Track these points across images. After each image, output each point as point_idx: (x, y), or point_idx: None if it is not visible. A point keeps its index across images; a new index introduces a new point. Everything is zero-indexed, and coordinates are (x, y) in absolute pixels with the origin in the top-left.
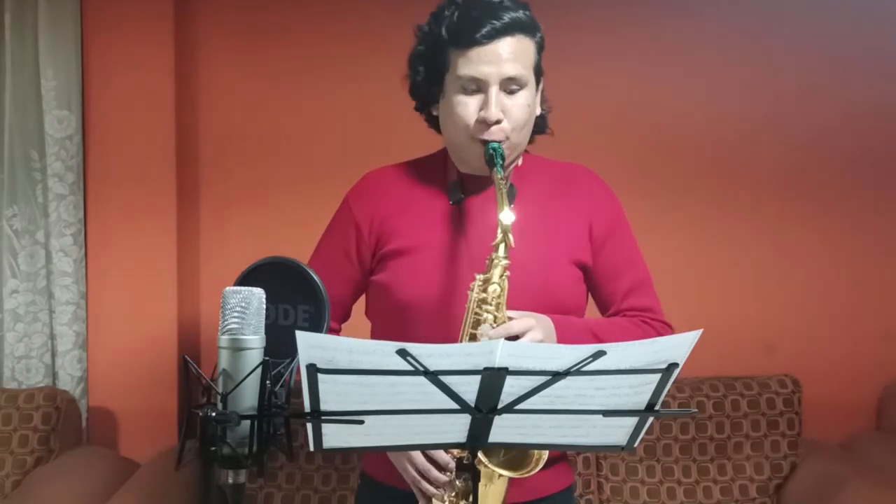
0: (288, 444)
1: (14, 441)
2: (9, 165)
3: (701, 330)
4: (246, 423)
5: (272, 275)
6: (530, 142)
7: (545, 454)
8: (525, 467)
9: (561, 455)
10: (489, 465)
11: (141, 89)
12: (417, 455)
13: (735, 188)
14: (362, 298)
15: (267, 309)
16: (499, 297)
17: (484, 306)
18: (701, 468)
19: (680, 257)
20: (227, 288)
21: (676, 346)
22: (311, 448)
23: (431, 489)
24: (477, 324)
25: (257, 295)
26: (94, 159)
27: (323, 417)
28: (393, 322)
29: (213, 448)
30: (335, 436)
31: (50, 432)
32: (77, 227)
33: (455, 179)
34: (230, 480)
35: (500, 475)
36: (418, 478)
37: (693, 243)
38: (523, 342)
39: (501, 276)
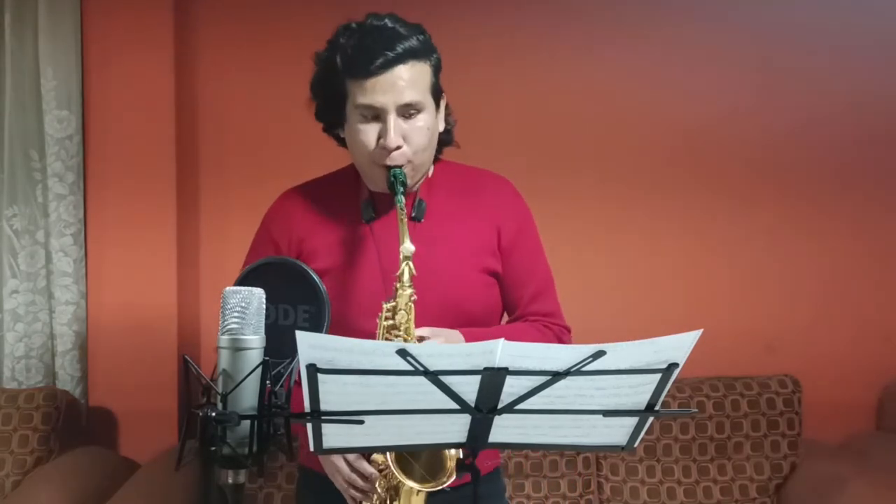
0: (288, 444)
1: (14, 441)
2: (9, 165)
3: (701, 330)
4: (246, 423)
5: (272, 275)
6: (440, 153)
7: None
8: (442, 475)
9: None
10: (405, 482)
11: (141, 89)
12: (343, 467)
13: (735, 188)
14: None
15: (267, 309)
16: (406, 321)
17: (394, 331)
18: (701, 468)
19: (680, 258)
20: (227, 288)
21: (676, 346)
22: (311, 448)
23: (357, 495)
24: None
25: (257, 295)
26: (94, 159)
27: (323, 417)
28: None
29: (213, 448)
30: (335, 436)
31: (50, 432)
32: (77, 227)
33: (367, 198)
34: (230, 480)
35: (419, 491)
36: (346, 485)
37: (693, 244)
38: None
39: (407, 303)
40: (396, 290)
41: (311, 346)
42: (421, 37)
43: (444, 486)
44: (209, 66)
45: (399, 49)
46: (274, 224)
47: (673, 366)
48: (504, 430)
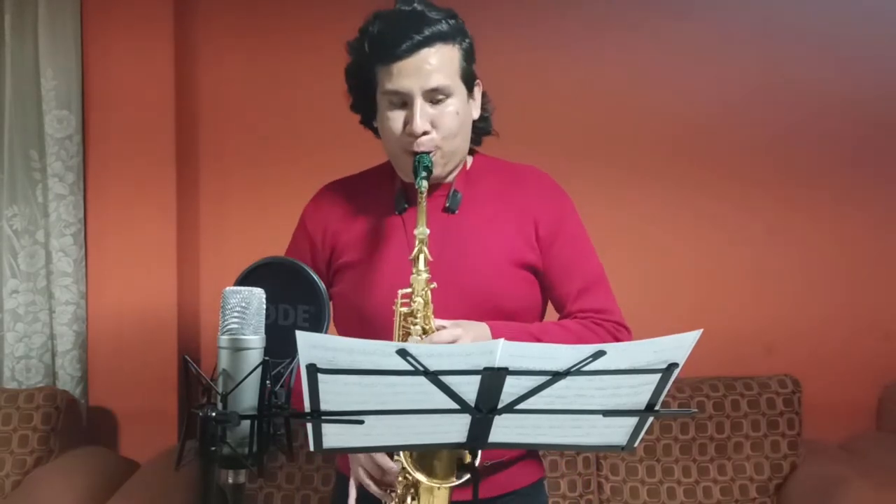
0: (288, 444)
1: (14, 441)
2: (9, 165)
3: (701, 330)
4: (246, 423)
5: (272, 275)
6: (477, 143)
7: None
8: (450, 476)
9: (526, 452)
10: (421, 478)
11: (141, 89)
12: (365, 462)
13: (735, 188)
14: None
15: (267, 309)
16: (424, 308)
17: (410, 318)
18: (701, 468)
19: (680, 258)
20: (227, 288)
21: (676, 346)
22: (311, 448)
23: (378, 491)
24: (406, 336)
25: (257, 295)
26: (94, 159)
27: (323, 417)
28: (354, 331)
29: (213, 448)
30: (335, 436)
31: (50, 432)
32: (77, 227)
33: (400, 189)
34: (230, 480)
35: (439, 487)
36: (368, 480)
37: (693, 243)
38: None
39: (423, 288)
40: (413, 275)
41: (311, 345)
42: (451, 21)
43: (457, 483)
44: (209, 67)
45: (426, 32)
46: (310, 219)
47: (673, 366)
48: (504, 430)
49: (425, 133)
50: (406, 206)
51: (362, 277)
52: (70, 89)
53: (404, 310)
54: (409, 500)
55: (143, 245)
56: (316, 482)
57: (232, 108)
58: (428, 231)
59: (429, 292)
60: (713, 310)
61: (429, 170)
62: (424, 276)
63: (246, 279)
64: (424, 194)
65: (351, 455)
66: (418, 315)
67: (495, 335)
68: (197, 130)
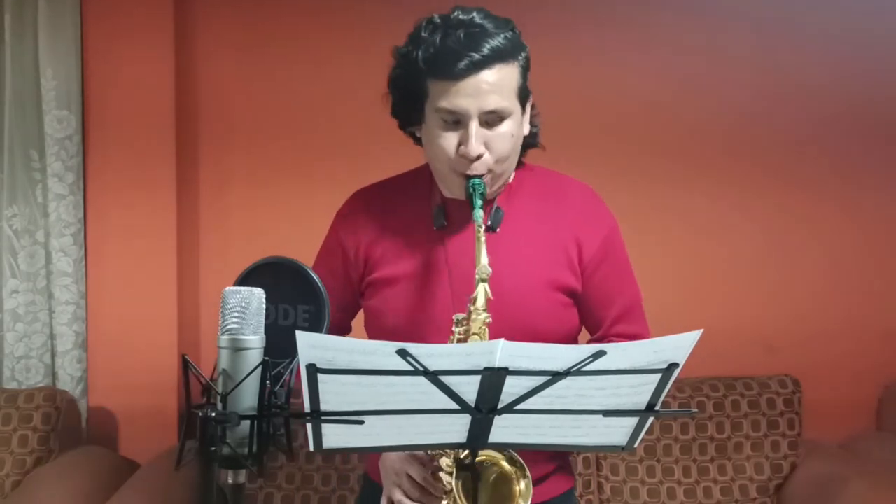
0: (288, 444)
1: (14, 441)
2: (9, 165)
3: (701, 330)
4: (246, 423)
5: (272, 275)
6: (523, 155)
7: (529, 498)
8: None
9: (557, 466)
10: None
11: (141, 89)
12: (405, 481)
13: (735, 188)
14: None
15: (267, 309)
16: None
17: None
18: (701, 468)
19: (680, 258)
20: (227, 288)
21: (676, 346)
22: (311, 448)
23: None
24: None
25: (257, 295)
26: (94, 159)
27: (323, 417)
28: None
29: (213, 448)
30: (335, 436)
31: (50, 432)
32: (77, 227)
33: (439, 204)
34: (230, 480)
35: None
36: (405, 499)
37: (693, 243)
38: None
39: (481, 327)
40: (470, 313)
41: (311, 345)
42: (510, 34)
43: None
44: (209, 67)
45: (485, 50)
46: (343, 227)
47: (673, 366)
48: (504, 430)
49: (479, 156)
50: (445, 222)
51: (397, 296)
52: (70, 89)
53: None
54: None
55: (143, 245)
56: (316, 482)
57: (232, 107)
58: (490, 271)
59: (486, 330)
60: (713, 310)
61: (484, 197)
62: (483, 315)
63: (246, 279)
64: (482, 228)
65: (384, 471)
66: None
67: None
68: (197, 130)
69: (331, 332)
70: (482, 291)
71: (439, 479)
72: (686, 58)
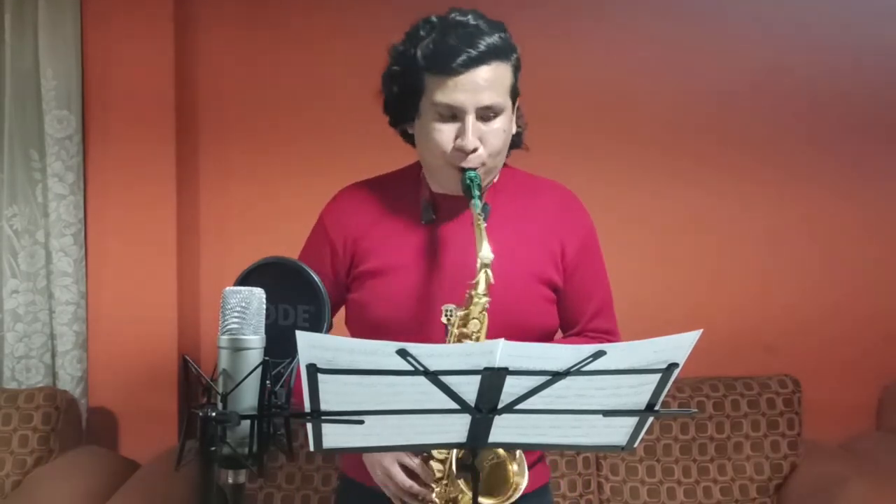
0: (288, 444)
1: (14, 441)
2: (9, 165)
3: (701, 330)
4: (246, 423)
5: (272, 275)
6: (507, 156)
7: (524, 483)
8: (503, 493)
9: (537, 458)
10: (467, 492)
11: (141, 89)
12: (397, 472)
13: (735, 188)
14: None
15: (267, 309)
16: (478, 331)
17: (465, 339)
18: (701, 468)
19: (679, 258)
20: (227, 288)
21: (676, 346)
22: (311, 448)
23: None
24: None
25: (257, 295)
26: (94, 159)
27: (323, 417)
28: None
29: (213, 448)
30: (335, 436)
31: (50, 432)
32: (77, 227)
33: (427, 198)
34: (230, 480)
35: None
36: (399, 492)
37: (693, 243)
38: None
39: (481, 311)
40: (472, 297)
41: (311, 345)
42: (503, 34)
43: (508, 502)
44: (210, 67)
45: (482, 47)
46: (332, 222)
47: (673, 366)
48: (504, 430)
49: (475, 150)
50: (434, 216)
51: (385, 287)
52: (70, 89)
53: (459, 331)
54: None
55: (143, 245)
56: (316, 482)
57: (233, 107)
58: (492, 256)
59: (486, 315)
60: (713, 310)
61: (481, 188)
62: (484, 299)
63: (246, 279)
64: (482, 215)
65: (371, 466)
66: (473, 337)
67: None
68: (197, 129)
69: None
70: (483, 277)
71: (430, 468)
72: (683, 52)
